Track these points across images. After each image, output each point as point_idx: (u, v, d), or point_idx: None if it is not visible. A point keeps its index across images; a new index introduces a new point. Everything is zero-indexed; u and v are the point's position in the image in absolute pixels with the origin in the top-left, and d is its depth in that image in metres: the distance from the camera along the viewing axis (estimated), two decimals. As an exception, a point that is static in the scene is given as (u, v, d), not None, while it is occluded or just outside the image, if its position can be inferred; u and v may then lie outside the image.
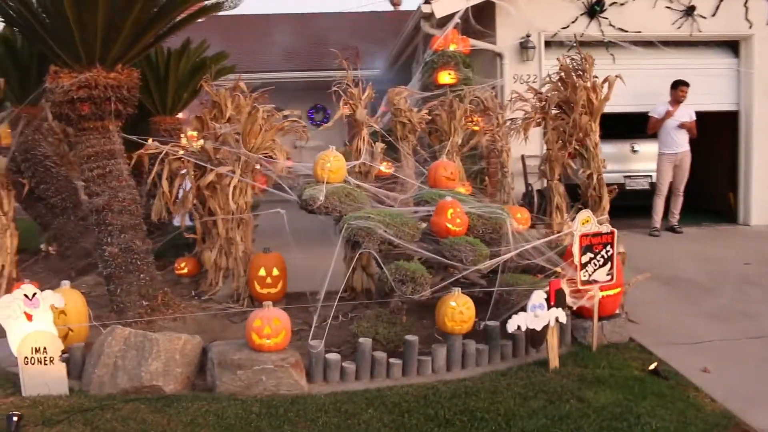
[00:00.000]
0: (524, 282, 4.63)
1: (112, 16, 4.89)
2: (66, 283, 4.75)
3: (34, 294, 3.98)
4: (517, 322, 4.19)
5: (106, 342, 4.18)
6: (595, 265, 4.52)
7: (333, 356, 4.27)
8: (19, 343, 3.97)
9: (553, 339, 4.31)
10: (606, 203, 5.41)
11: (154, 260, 7.33)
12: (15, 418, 3.53)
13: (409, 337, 4.35)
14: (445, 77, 7.85)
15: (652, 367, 4.21)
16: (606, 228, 4.52)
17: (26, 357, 3.97)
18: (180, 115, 8.32)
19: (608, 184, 9.07)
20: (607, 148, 9.22)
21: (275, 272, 5.73)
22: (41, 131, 6.77)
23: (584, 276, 4.49)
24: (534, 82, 8.02)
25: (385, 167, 7.66)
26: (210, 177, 6.03)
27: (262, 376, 4.06)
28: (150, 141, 6.15)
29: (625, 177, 9.31)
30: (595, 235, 4.49)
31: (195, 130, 6.52)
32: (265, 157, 6.10)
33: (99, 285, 6.23)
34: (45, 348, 3.97)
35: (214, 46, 8.34)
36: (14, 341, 3.98)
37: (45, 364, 3.98)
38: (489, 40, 8.47)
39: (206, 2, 5.84)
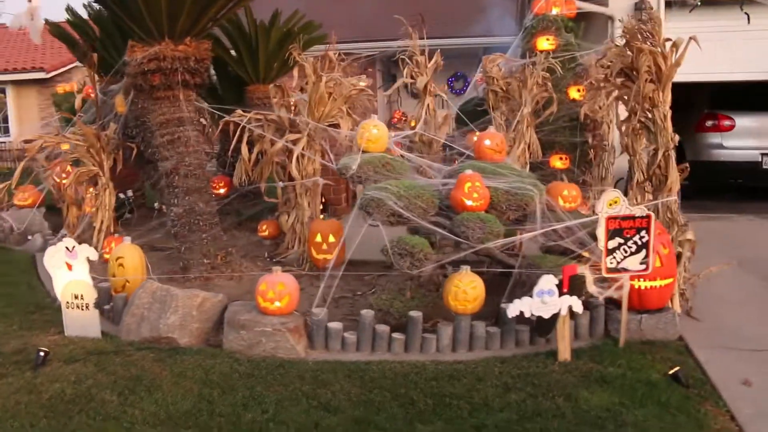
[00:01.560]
0: (547, 264, 4.27)
1: (174, -9, 5.22)
2: (128, 239, 5.25)
3: (74, 246, 4.46)
4: (519, 308, 3.89)
5: (137, 294, 4.58)
6: (625, 252, 4.03)
7: (335, 325, 4.29)
8: (62, 290, 4.48)
9: (564, 329, 3.94)
10: (673, 183, 4.72)
11: (249, 222, 7.87)
12: (42, 354, 4.04)
13: (413, 313, 4.24)
14: (543, 43, 7.33)
15: (672, 371, 3.69)
16: (640, 211, 4.00)
17: (68, 302, 4.47)
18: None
19: (735, 162, 8.10)
20: (744, 122, 8.14)
21: (331, 239, 5.83)
22: (150, 100, 7.43)
23: (611, 263, 4.03)
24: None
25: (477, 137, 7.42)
26: (278, 145, 6.27)
27: (262, 338, 4.21)
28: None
29: (763, 155, 8.07)
30: (625, 218, 4.00)
31: (274, 98, 6.79)
32: (330, 125, 6.20)
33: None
34: (82, 295, 4.45)
35: (328, 16, 8.53)
36: (58, 287, 4.51)
37: (82, 310, 4.46)
38: (599, 2, 7.72)
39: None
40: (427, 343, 4.21)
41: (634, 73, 4.75)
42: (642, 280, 4.22)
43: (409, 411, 3.41)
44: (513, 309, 3.90)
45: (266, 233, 7.10)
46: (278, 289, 4.24)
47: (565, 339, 3.96)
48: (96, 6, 7.02)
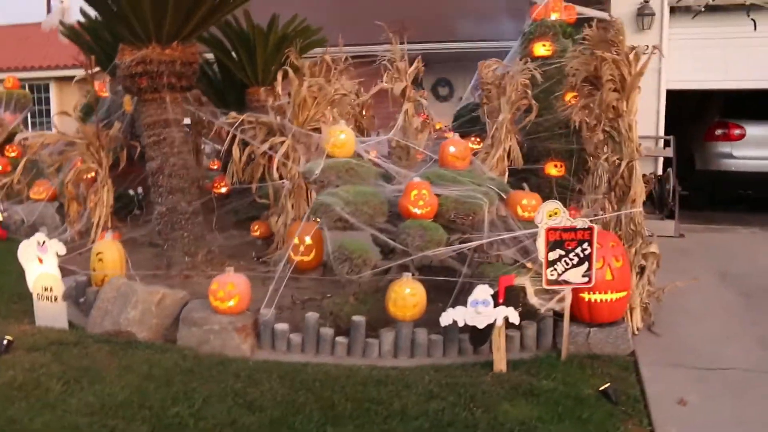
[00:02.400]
0: (489, 273, 4.26)
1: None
2: (108, 235, 5.48)
3: (44, 242, 4.69)
4: (453, 316, 3.91)
5: (104, 289, 4.78)
6: (567, 264, 3.98)
7: (281, 326, 4.39)
8: (34, 282, 4.72)
9: (499, 340, 3.93)
10: (636, 195, 4.63)
11: (247, 221, 8.04)
12: (5, 342, 4.28)
13: (356, 318, 4.30)
14: (540, 49, 7.25)
15: (603, 387, 3.64)
16: (582, 223, 3.95)
17: (38, 293, 4.71)
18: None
19: (745, 173, 7.79)
20: (755, 131, 7.88)
21: (308, 241, 5.93)
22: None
23: (551, 275, 3.99)
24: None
25: (473, 143, 7.40)
26: (263, 147, 6.41)
27: (210, 335, 4.35)
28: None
29: (777, 165, 7.79)
30: (566, 230, 3.95)
31: (266, 101, 6.94)
32: (313, 130, 6.30)
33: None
34: (52, 287, 4.68)
35: (330, 20, 8.66)
36: (30, 279, 4.75)
37: (51, 301, 4.69)
38: (601, 8, 7.58)
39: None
40: (370, 348, 4.27)
41: (599, 81, 4.68)
42: (592, 292, 4.16)
43: (326, 414, 3.47)
44: (446, 317, 3.92)
45: (257, 233, 7.26)
46: (228, 288, 4.37)
47: (500, 350, 3.95)
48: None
